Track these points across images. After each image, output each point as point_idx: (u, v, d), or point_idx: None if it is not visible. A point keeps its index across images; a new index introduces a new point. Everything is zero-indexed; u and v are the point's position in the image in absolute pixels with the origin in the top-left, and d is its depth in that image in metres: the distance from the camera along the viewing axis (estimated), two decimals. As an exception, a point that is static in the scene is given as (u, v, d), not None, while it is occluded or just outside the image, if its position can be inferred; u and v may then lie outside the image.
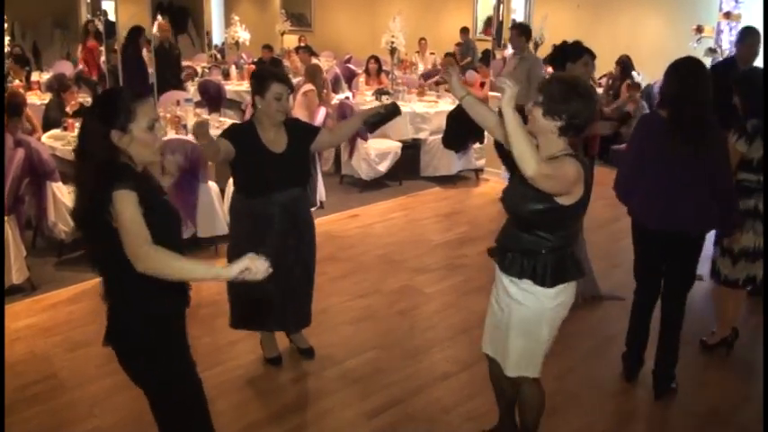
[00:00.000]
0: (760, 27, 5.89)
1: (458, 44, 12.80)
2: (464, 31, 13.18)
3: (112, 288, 2.48)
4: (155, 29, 9.53)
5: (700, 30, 9.54)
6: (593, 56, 4.71)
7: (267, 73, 3.85)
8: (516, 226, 2.95)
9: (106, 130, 2.32)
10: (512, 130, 2.54)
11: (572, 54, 4.65)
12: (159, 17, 9.71)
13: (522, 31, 7.56)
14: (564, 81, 2.84)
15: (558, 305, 2.95)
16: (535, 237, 2.89)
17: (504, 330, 3.04)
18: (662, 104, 3.69)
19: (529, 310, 2.94)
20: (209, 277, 2.28)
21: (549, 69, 8.28)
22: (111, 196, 2.22)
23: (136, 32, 8.86)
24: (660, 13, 11.34)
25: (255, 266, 2.16)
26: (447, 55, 11.09)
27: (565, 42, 4.78)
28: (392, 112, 3.78)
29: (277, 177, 3.78)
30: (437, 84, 10.01)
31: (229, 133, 3.78)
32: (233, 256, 3.94)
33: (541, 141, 2.83)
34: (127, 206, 2.22)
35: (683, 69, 3.64)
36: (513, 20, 8.05)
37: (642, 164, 3.73)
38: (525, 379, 3.10)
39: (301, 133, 3.90)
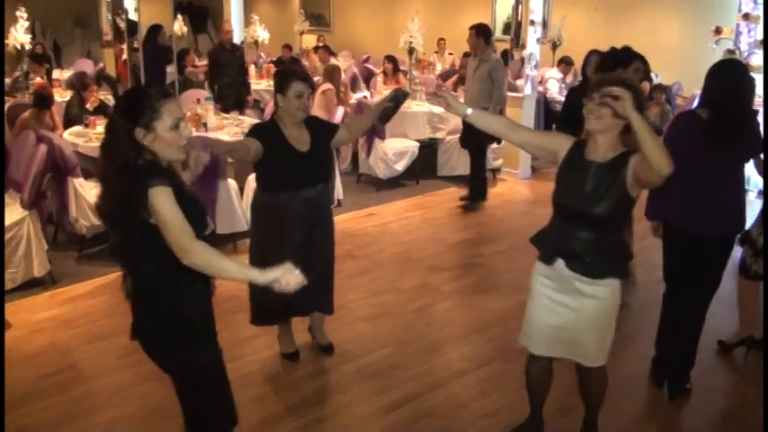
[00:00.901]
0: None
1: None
2: None
3: (140, 280, 2.51)
4: (176, 26, 9.60)
5: (718, 31, 9.47)
6: (644, 61, 4.69)
7: (288, 71, 3.91)
8: (585, 227, 2.95)
9: (131, 128, 2.34)
10: (645, 132, 2.62)
11: (624, 59, 4.63)
12: (225, 24, 9.78)
13: (481, 32, 7.33)
14: (631, 82, 2.89)
15: (620, 290, 3.08)
16: (609, 234, 2.97)
17: (576, 329, 3.09)
18: (703, 105, 3.69)
19: (606, 303, 3.03)
20: (241, 278, 2.34)
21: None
22: (147, 193, 2.26)
23: (154, 31, 8.93)
24: (678, 14, 11.29)
25: (288, 279, 2.23)
26: (465, 55, 11.07)
27: (614, 48, 4.74)
28: (398, 99, 3.69)
29: (303, 175, 3.86)
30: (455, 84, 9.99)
31: (257, 132, 3.84)
32: (255, 253, 4.01)
33: (604, 140, 2.89)
34: (166, 202, 2.26)
35: (726, 72, 3.65)
36: (477, 24, 7.54)
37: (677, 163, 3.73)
38: (600, 367, 3.21)
39: (323, 131, 3.97)
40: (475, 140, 7.29)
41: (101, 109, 7.18)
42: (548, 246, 3.09)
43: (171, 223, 2.26)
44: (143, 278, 2.51)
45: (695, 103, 4.05)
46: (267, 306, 4.02)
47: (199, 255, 2.25)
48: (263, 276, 2.25)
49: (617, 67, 4.60)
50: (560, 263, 3.03)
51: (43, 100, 6.84)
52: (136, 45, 9.21)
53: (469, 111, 3.10)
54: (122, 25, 8.05)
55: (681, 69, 10.01)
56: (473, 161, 7.73)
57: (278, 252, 3.87)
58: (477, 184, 7.73)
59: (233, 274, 2.31)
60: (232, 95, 8.89)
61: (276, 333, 4.32)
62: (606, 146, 2.89)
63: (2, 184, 4.41)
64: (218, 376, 2.68)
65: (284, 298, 3.90)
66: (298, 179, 3.84)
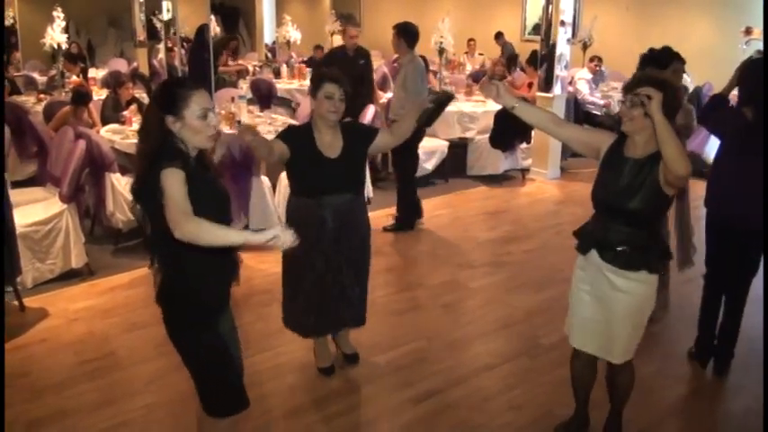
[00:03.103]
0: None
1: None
2: (498, 36, 13.17)
3: (159, 255, 2.70)
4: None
5: (749, 32, 9.39)
6: (682, 62, 4.70)
7: (320, 73, 3.86)
8: (620, 220, 3.03)
9: (162, 115, 2.52)
10: (666, 134, 2.71)
11: (662, 60, 4.66)
12: (350, 28, 9.04)
13: (402, 32, 6.52)
14: (667, 82, 2.95)
15: (655, 289, 3.14)
16: (644, 229, 3.04)
17: (608, 322, 3.15)
18: (745, 103, 3.81)
19: (638, 299, 3.09)
20: (239, 241, 2.36)
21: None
22: (160, 174, 2.39)
23: (204, 30, 9.02)
24: (709, 14, 11.25)
25: (283, 237, 2.30)
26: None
27: (652, 49, 4.74)
28: (443, 101, 3.60)
29: (328, 182, 3.75)
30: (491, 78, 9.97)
31: (285, 135, 3.77)
32: (287, 255, 3.83)
33: (640, 138, 2.97)
34: (172, 182, 2.38)
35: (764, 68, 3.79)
36: (401, 23, 6.85)
37: (724, 159, 3.94)
38: (627, 363, 3.26)
39: (358, 136, 3.84)
40: (507, 139, 7.18)
41: (132, 102, 7.33)
42: (586, 237, 3.18)
43: (171, 201, 2.36)
44: (160, 254, 2.69)
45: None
46: (297, 319, 3.98)
47: (187, 227, 2.30)
48: (257, 237, 2.31)
49: (656, 68, 4.64)
50: (594, 254, 3.11)
51: (81, 97, 7.01)
52: (170, 44, 9.37)
53: (517, 103, 3.17)
54: (159, 25, 8.18)
55: (711, 70, 9.92)
56: (401, 180, 6.81)
57: (306, 259, 3.77)
58: (404, 206, 6.82)
59: (230, 239, 2.35)
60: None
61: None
62: (642, 144, 2.97)
63: (2, 183, 4.54)
64: (222, 359, 2.75)
65: (313, 307, 3.88)
66: (323, 186, 3.74)
